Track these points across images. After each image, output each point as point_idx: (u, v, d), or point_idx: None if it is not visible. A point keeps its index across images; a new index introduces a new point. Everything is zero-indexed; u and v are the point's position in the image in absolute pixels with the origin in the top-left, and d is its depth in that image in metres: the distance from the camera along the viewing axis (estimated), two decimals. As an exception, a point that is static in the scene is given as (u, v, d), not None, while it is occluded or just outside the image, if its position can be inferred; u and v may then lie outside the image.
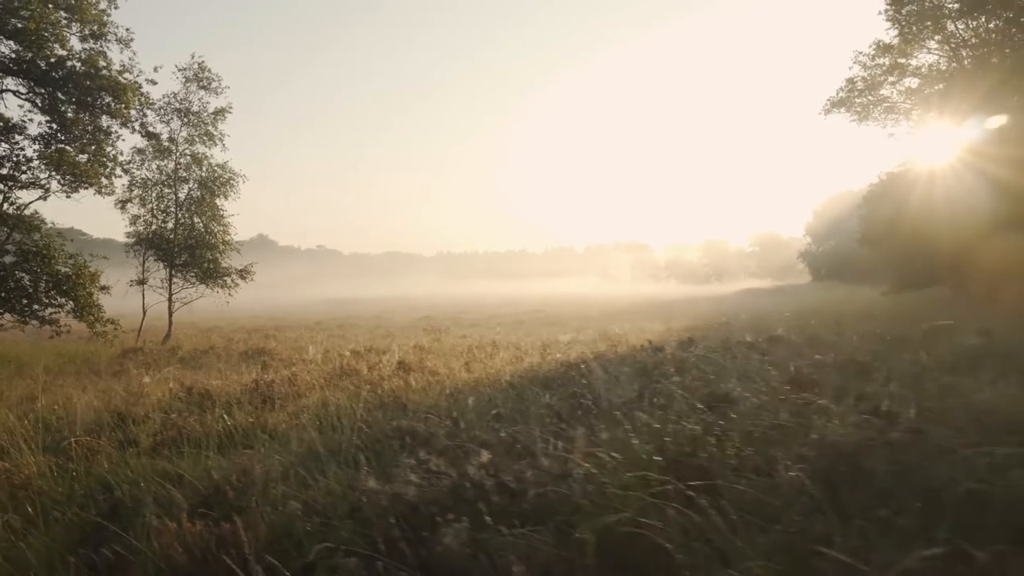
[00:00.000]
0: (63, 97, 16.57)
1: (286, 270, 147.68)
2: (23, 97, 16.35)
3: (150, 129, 18.17)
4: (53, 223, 18.27)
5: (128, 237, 20.20)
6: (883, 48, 29.12)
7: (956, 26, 28.28)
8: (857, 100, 30.39)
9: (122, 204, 19.89)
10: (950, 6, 27.76)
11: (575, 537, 2.06)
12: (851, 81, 29.95)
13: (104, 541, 2.25)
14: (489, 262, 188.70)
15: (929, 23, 27.21)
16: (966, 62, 28.53)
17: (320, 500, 2.54)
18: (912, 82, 29.64)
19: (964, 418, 3.27)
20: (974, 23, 28.12)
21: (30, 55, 16.23)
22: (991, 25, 27.92)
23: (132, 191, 19.71)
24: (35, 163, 15.85)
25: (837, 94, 30.44)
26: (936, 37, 28.05)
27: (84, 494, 2.95)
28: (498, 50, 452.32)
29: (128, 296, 20.35)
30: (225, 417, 4.24)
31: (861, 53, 29.49)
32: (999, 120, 28.23)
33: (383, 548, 2.06)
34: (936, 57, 29.21)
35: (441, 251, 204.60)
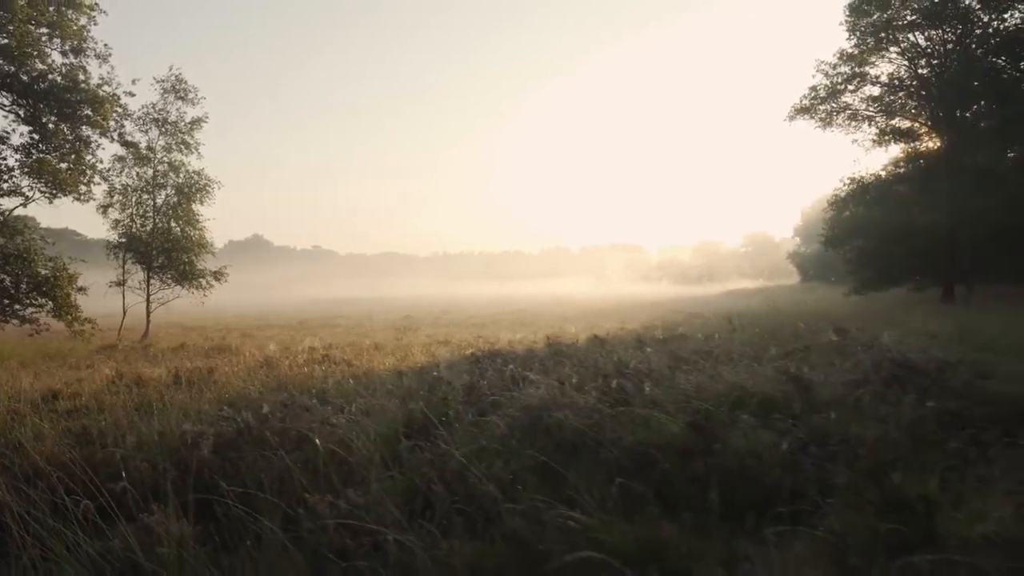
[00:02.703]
0: (44, 109, 17.62)
1: (282, 271, 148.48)
2: (6, 109, 17.41)
3: (128, 138, 19.27)
4: (42, 225, 19.41)
5: (112, 240, 21.28)
6: (845, 57, 30.03)
7: (916, 37, 29.20)
8: (820, 107, 31.23)
9: (104, 209, 20.96)
10: (910, 19, 28.67)
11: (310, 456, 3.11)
12: (814, 89, 30.85)
13: (-2, 460, 3.34)
14: (484, 263, 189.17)
15: (883, 34, 28.20)
16: (924, 71, 29.51)
17: (155, 439, 3.61)
18: (873, 90, 30.55)
19: (677, 395, 4.31)
20: (928, 34, 29.04)
21: (12, 69, 17.28)
22: (947, 36, 28.85)
23: (113, 196, 20.78)
24: (16, 172, 16.87)
25: (801, 101, 31.37)
26: (893, 48, 29.03)
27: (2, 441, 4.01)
28: (493, 53, 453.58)
29: (110, 297, 21.40)
30: (126, 395, 5.32)
31: (823, 62, 30.46)
32: (958, 127, 29.27)
33: (173, 459, 3.15)
34: (895, 66, 30.14)
35: (437, 252, 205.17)
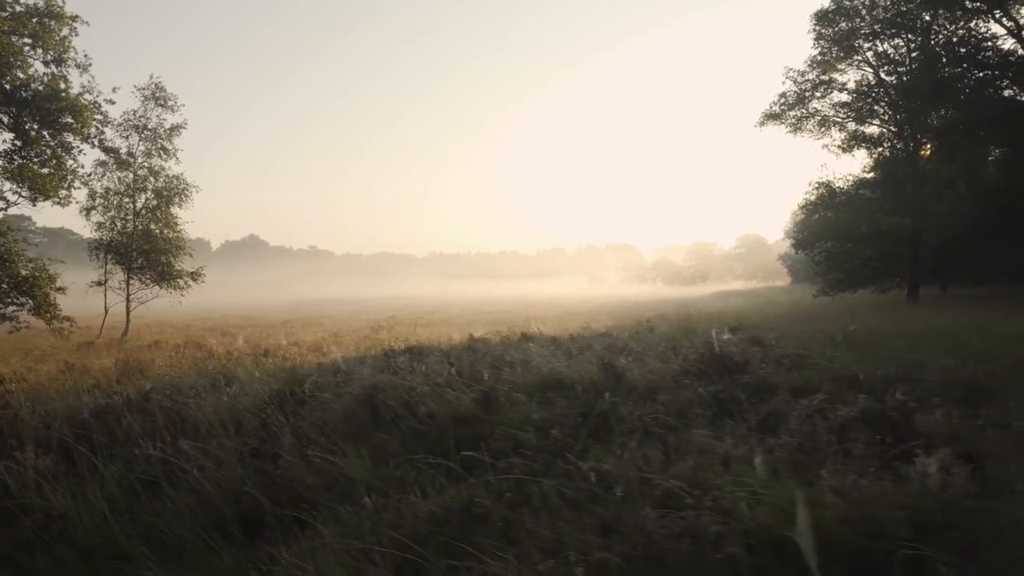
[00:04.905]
0: (26, 116, 18.49)
1: (278, 271, 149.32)
2: (-10, 117, 18.28)
3: (108, 144, 20.19)
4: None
5: (94, 241, 22.20)
6: (813, 64, 30.86)
7: (880, 45, 30.02)
8: (790, 113, 32.00)
9: (86, 212, 21.88)
10: (875, 28, 29.49)
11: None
12: (783, 95, 31.68)
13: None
14: (481, 263, 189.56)
15: (847, 43, 29.06)
16: (890, 78, 30.35)
17: (63, 409, 4.56)
18: (841, 96, 31.34)
19: (504, 379, 5.22)
20: (894, 42, 29.86)
21: (-5, 79, 18.15)
22: (910, 45, 29.68)
23: (95, 200, 21.69)
24: (-3, 178, 17.76)
25: (770, 107, 32.17)
26: (856, 57, 29.87)
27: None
28: (490, 55, 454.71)
29: (100, 297, 22.31)
30: (63, 381, 6.26)
31: (792, 69, 31.32)
32: (921, 133, 30.11)
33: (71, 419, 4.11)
34: (862, 74, 30.97)
35: (434, 252, 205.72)
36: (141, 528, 2.90)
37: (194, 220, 30.49)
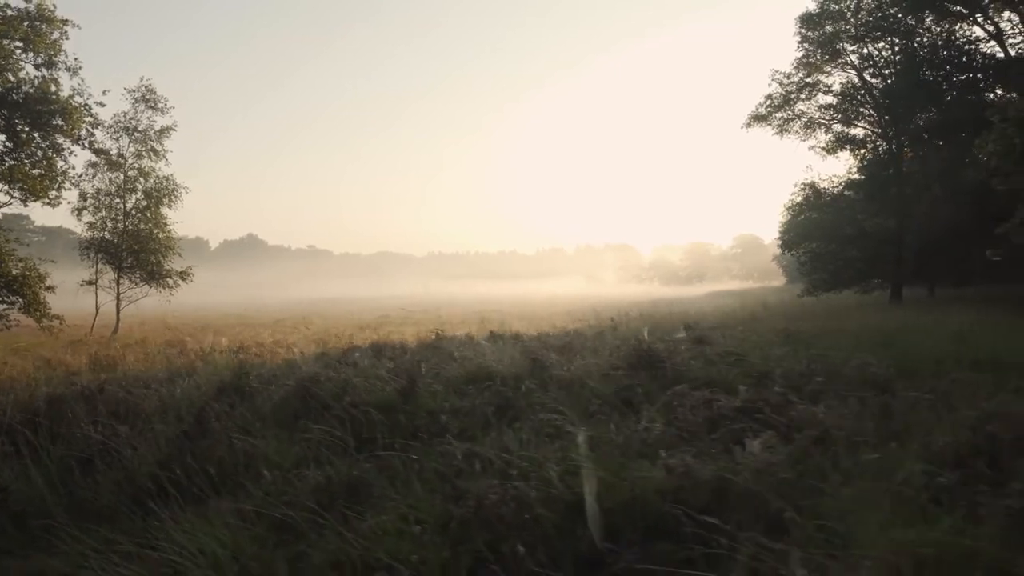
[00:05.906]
0: (18, 119, 18.90)
1: (276, 270, 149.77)
2: (-19, 120, 18.68)
3: (98, 146, 20.60)
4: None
5: (84, 240, 22.63)
6: (798, 66, 31.18)
7: (865, 48, 30.34)
8: (776, 115, 32.31)
9: (78, 212, 22.29)
10: (858, 30, 29.80)
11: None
12: (769, 97, 31.99)
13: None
14: (480, 263, 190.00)
15: (829, 46, 29.39)
16: (874, 80, 30.68)
17: (30, 400, 5.00)
18: (826, 98, 31.65)
19: (445, 373, 5.64)
20: (878, 45, 30.19)
21: (-12, 82, 18.55)
22: (895, 48, 29.99)
23: (86, 200, 22.11)
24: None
25: (756, 109, 32.50)
26: (841, 59, 30.20)
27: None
28: (489, 55, 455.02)
29: (89, 295, 22.73)
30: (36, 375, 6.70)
31: (778, 71, 31.66)
32: (904, 134, 30.45)
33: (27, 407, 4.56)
34: (847, 76, 31.29)
35: (433, 252, 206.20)
36: (73, 499, 3.32)
37: (183, 220, 31.12)
